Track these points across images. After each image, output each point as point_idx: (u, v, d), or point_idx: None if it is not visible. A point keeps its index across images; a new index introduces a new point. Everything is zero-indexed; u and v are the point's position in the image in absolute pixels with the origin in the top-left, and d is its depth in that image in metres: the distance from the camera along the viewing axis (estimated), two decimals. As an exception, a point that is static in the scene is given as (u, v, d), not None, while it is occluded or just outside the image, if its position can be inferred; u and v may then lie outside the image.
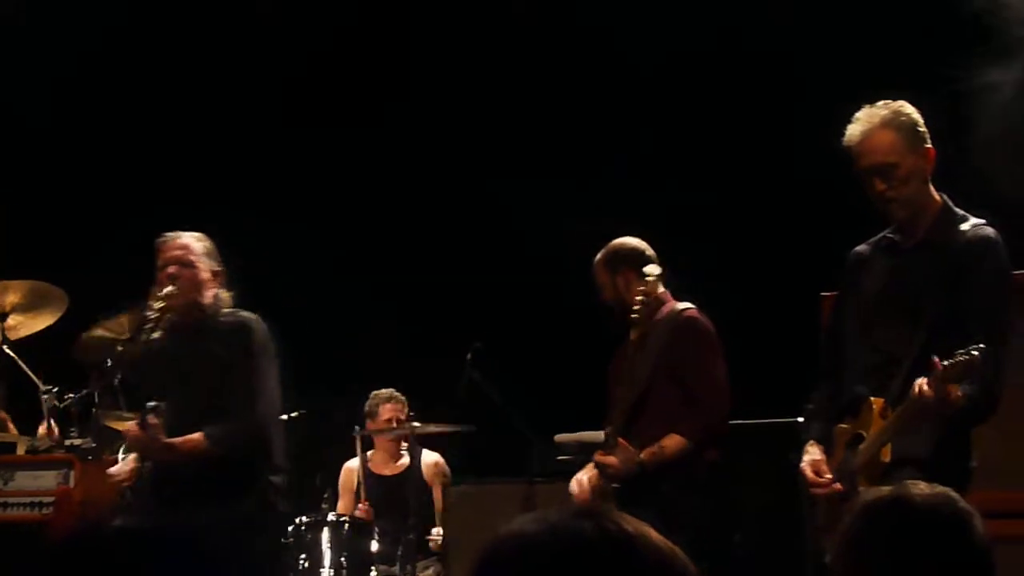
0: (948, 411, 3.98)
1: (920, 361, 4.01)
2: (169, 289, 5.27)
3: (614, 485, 5.22)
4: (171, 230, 5.50)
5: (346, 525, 6.63)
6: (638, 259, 5.44)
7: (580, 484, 5.41)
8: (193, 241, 5.44)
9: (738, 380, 5.34)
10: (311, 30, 8.82)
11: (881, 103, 4.32)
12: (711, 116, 8.07)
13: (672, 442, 5.18)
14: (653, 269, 5.24)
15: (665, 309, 5.38)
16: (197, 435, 5.22)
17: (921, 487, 2.48)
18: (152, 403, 5.20)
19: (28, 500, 5.75)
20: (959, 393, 3.94)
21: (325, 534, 6.55)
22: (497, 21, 8.51)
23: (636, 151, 8.28)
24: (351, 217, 8.83)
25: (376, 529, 6.69)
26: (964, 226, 4.27)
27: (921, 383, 3.95)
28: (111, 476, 5.42)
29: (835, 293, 4.67)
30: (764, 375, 6.57)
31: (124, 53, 8.61)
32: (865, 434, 4.24)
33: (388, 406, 7.52)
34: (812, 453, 4.37)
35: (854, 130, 4.30)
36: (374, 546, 6.60)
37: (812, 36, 7.32)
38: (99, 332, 6.61)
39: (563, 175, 8.32)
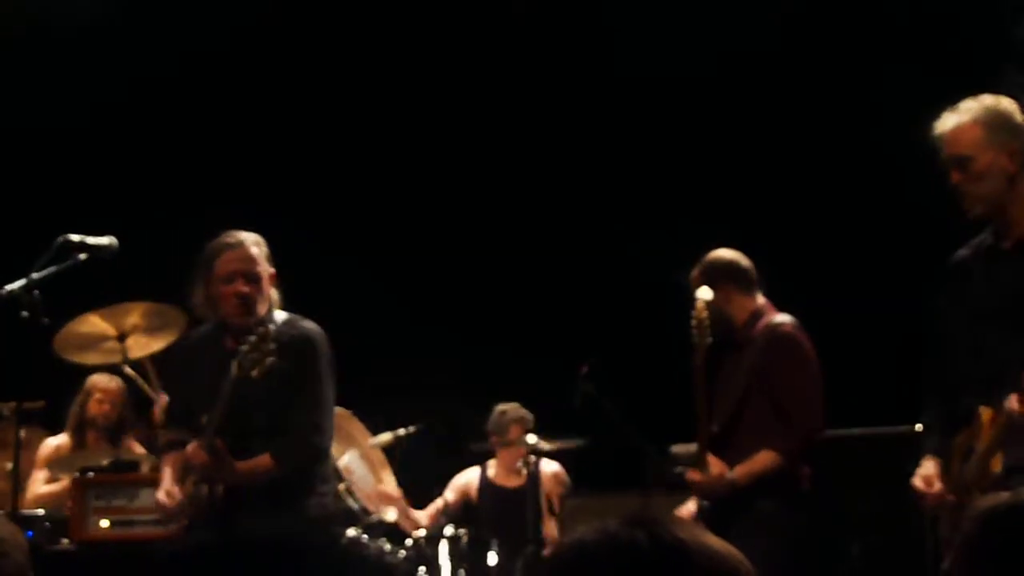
0: None
1: None
2: (261, 329, 4.84)
3: (704, 503, 5.19)
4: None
5: (464, 538, 6.67)
6: (735, 272, 5.36)
7: (687, 508, 5.41)
8: (256, 248, 5.06)
9: (851, 389, 5.28)
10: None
11: (982, 96, 4.26)
12: (811, 120, 8.01)
13: (764, 458, 5.11)
14: (704, 293, 5.13)
15: (763, 322, 5.30)
16: (266, 458, 4.96)
17: (1039, 493, 2.43)
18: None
19: (153, 518, 5.83)
20: None
21: (443, 547, 6.59)
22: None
23: (746, 157, 8.22)
24: (464, 235, 8.88)
25: (495, 543, 6.71)
26: None
27: (1011, 400, 3.89)
28: (160, 505, 5.05)
29: (940, 301, 4.59)
30: (878, 383, 6.48)
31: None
32: (976, 446, 4.17)
33: (518, 426, 7.50)
34: (925, 467, 4.31)
35: (945, 120, 4.26)
36: (492, 559, 6.62)
37: (917, 37, 7.23)
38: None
39: (670, 186, 8.31)
